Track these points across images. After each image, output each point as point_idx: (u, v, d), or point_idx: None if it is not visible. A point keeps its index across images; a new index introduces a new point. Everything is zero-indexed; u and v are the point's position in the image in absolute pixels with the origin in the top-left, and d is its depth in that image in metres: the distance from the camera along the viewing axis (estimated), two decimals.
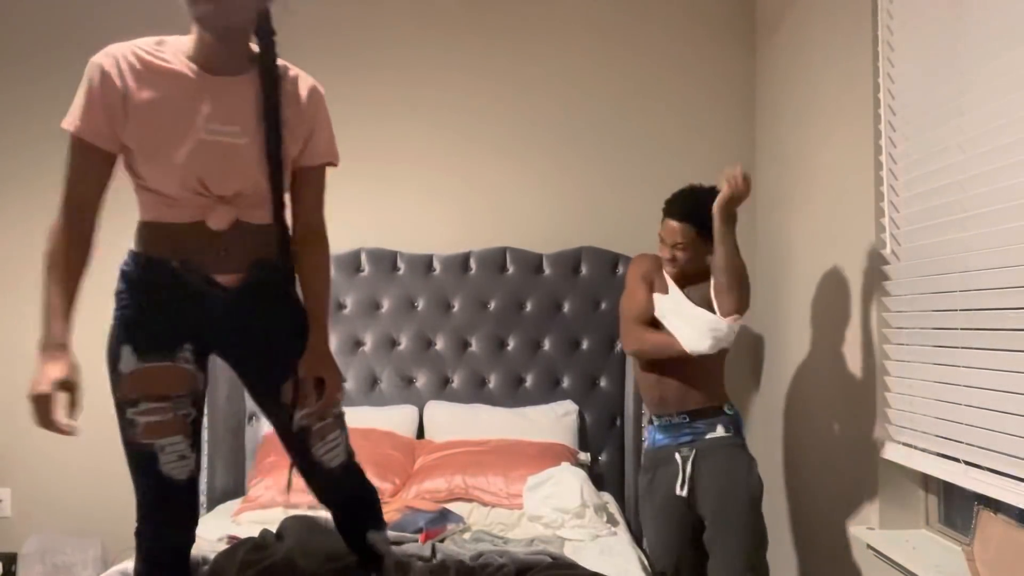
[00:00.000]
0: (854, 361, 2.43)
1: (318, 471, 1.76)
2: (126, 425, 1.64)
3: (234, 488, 3.10)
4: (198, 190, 1.61)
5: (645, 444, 2.61)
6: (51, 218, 1.55)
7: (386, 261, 3.33)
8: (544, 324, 3.30)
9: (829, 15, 2.62)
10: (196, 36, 1.61)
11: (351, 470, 1.82)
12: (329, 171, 1.80)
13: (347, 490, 1.83)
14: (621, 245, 3.32)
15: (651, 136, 3.44)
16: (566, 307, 3.31)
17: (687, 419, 2.43)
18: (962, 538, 2.03)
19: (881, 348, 2.27)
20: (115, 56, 1.58)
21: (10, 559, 3.29)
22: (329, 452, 1.75)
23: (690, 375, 2.43)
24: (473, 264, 3.33)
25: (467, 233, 3.39)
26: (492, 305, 3.32)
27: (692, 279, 2.48)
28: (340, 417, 1.79)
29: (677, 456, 2.41)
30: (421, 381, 3.29)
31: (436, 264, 3.34)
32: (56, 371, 1.52)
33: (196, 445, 1.70)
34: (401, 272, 3.33)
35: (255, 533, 2.27)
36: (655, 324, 2.49)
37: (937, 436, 2.01)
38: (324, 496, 1.83)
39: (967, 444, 1.88)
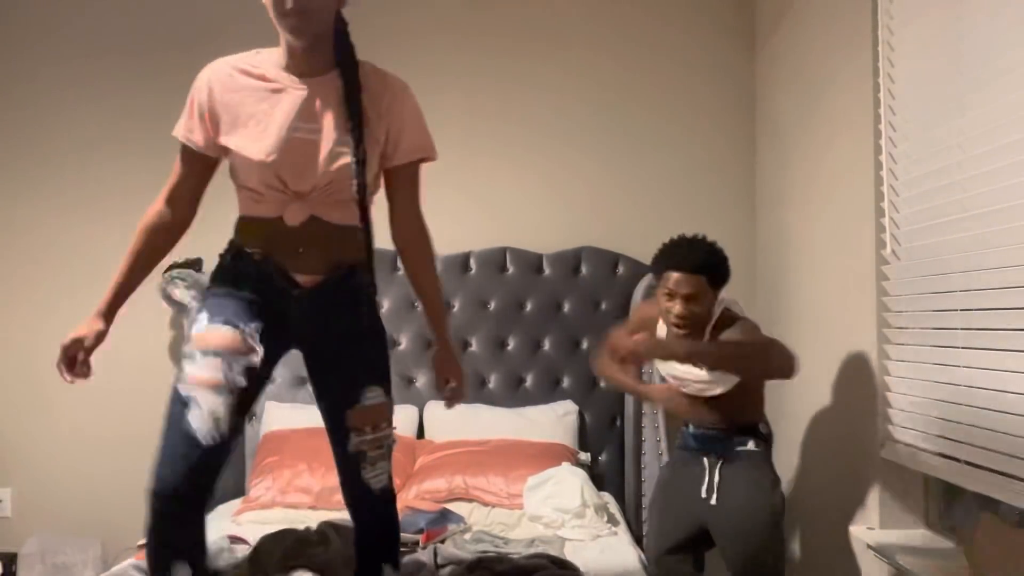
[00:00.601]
0: (854, 361, 2.43)
1: (361, 490, 1.79)
2: (176, 379, 1.67)
3: (234, 488, 3.10)
4: (276, 186, 1.69)
5: (678, 440, 2.57)
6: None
7: (386, 261, 3.33)
8: (544, 324, 3.30)
9: (829, 15, 2.62)
10: (285, 44, 1.70)
11: (388, 496, 1.84)
12: None
13: (379, 513, 1.85)
14: (621, 245, 3.32)
15: (651, 136, 3.44)
16: (566, 307, 3.31)
17: (722, 435, 2.39)
18: (962, 538, 2.03)
19: (881, 348, 2.27)
20: (214, 70, 1.74)
21: (10, 559, 3.29)
22: (376, 477, 1.78)
23: (728, 397, 2.35)
24: (473, 264, 3.33)
25: (467, 233, 3.39)
26: (492, 305, 3.32)
27: (696, 330, 2.35)
28: (391, 447, 1.82)
29: (705, 460, 2.38)
30: (421, 381, 3.29)
31: (436, 264, 3.33)
32: (80, 330, 1.72)
33: (240, 415, 1.68)
34: (401, 272, 3.32)
35: (256, 533, 2.27)
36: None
37: (937, 436, 2.01)
38: (356, 512, 1.85)
39: (967, 444, 1.88)
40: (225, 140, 1.71)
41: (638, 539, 2.75)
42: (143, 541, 2.40)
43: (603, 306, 3.28)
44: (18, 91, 3.45)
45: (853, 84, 2.42)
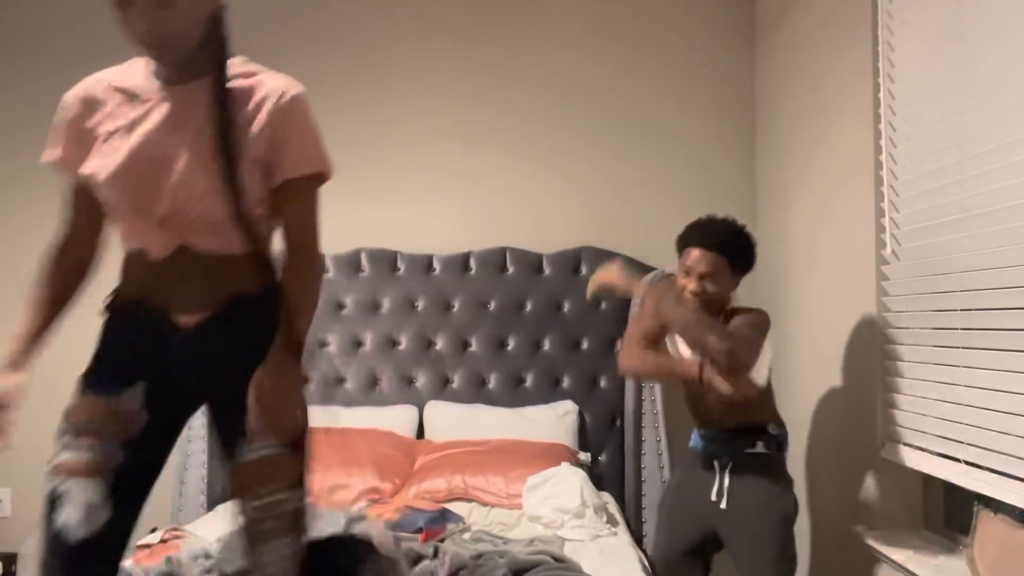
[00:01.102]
0: (854, 361, 2.43)
1: None
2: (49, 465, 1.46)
3: None
4: (130, 210, 1.48)
5: (689, 442, 2.54)
6: (39, 220, 1.52)
7: (386, 261, 3.33)
8: (544, 324, 3.30)
9: (829, 15, 2.62)
10: None
11: None
12: (339, 173, 1.65)
13: None
14: (621, 245, 3.32)
15: (651, 136, 3.44)
16: (566, 307, 3.31)
17: (729, 436, 2.35)
18: (962, 538, 2.03)
19: (881, 348, 2.27)
20: (80, 87, 1.57)
21: (10, 559, 3.29)
22: (272, 564, 1.42)
23: (725, 413, 2.32)
24: (473, 264, 3.33)
25: (467, 233, 3.39)
26: (492, 305, 3.32)
27: (711, 313, 2.29)
28: (299, 518, 1.45)
29: (716, 463, 2.35)
30: (421, 381, 3.29)
31: (436, 264, 3.34)
32: None
33: (126, 496, 1.47)
34: (401, 272, 3.33)
35: None
36: (657, 345, 2.39)
37: (937, 436, 2.01)
38: None
39: (967, 444, 1.88)
40: (89, 165, 1.50)
41: (638, 539, 2.75)
42: (142, 541, 2.40)
43: (603, 306, 3.28)
44: (14, 94, 3.45)
45: (853, 84, 2.42)
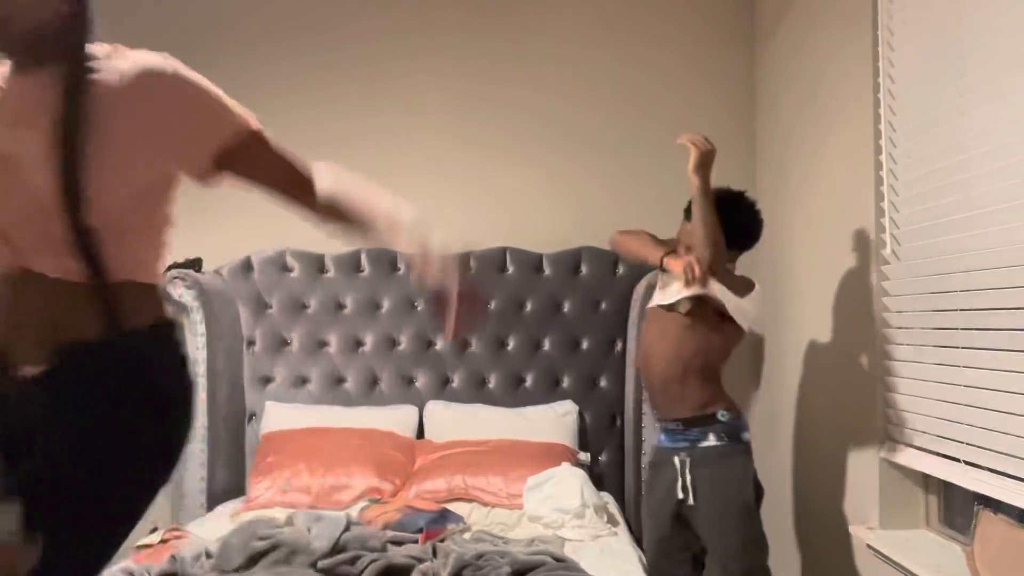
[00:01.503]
0: (854, 361, 2.43)
1: None
2: None
3: (234, 488, 3.10)
4: None
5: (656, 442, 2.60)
6: None
7: (386, 261, 3.33)
8: (544, 324, 3.30)
9: (829, 15, 2.62)
10: None
11: None
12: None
13: None
14: None
15: (651, 136, 3.44)
16: (566, 307, 3.31)
17: (681, 426, 2.40)
18: (962, 538, 2.03)
19: (881, 348, 2.27)
20: None
21: None
22: None
23: (675, 383, 2.39)
24: (473, 264, 3.33)
25: (467, 233, 3.39)
26: (492, 305, 3.32)
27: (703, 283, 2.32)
28: None
29: (676, 460, 2.38)
30: (421, 381, 3.29)
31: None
32: None
33: None
34: (401, 272, 3.33)
35: None
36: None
37: (937, 436, 2.01)
38: None
39: (967, 444, 1.88)
40: None
41: (638, 539, 2.75)
42: (142, 541, 2.40)
43: (603, 306, 3.28)
44: None
45: (853, 84, 2.42)
